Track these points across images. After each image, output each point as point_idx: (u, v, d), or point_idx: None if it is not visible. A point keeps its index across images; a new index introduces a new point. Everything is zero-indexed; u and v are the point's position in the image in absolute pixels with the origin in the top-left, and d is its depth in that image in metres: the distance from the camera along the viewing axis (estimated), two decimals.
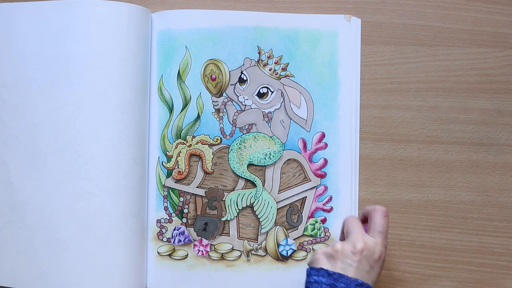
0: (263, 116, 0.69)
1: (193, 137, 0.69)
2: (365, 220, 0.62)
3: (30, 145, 0.66)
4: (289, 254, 0.68)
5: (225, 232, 0.69)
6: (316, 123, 0.69)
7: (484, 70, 0.69)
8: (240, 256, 0.68)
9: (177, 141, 0.69)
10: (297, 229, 0.69)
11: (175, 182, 0.69)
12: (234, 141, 0.69)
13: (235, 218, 0.69)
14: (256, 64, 0.69)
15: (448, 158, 0.69)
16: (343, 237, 0.62)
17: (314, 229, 0.69)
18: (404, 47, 0.70)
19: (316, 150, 0.69)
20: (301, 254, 0.68)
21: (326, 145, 0.69)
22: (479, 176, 0.69)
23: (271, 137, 0.69)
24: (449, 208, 0.69)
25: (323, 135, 0.69)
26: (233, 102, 0.69)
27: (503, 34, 0.70)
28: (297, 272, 0.68)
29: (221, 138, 0.69)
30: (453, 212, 0.69)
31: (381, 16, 0.70)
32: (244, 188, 0.69)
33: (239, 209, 0.69)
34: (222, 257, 0.68)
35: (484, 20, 0.70)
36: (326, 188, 0.69)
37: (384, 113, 0.69)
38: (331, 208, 0.68)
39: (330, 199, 0.69)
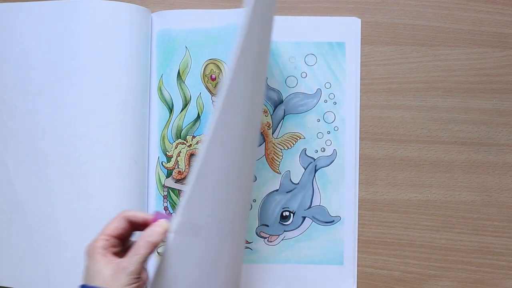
0: None
1: (193, 137, 0.69)
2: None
3: (30, 145, 0.66)
4: None
5: None
6: None
7: (484, 70, 0.69)
8: None
9: (177, 141, 0.69)
10: None
11: (175, 182, 0.69)
12: None
13: None
14: None
15: (448, 158, 0.69)
16: None
17: None
18: (404, 47, 0.69)
19: None
20: None
21: None
22: (479, 176, 0.69)
23: None
24: (449, 208, 0.69)
25: None
26: None
27: (503, 34, 0.69)
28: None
29: None
30: (453, 212, 0.69)
31: (381, 16, 0.70)
32: None
33: None
34: None
35: (484, 20, 0.70)
36: None
37: (384, 113, 0.69)
38: None
39: None
